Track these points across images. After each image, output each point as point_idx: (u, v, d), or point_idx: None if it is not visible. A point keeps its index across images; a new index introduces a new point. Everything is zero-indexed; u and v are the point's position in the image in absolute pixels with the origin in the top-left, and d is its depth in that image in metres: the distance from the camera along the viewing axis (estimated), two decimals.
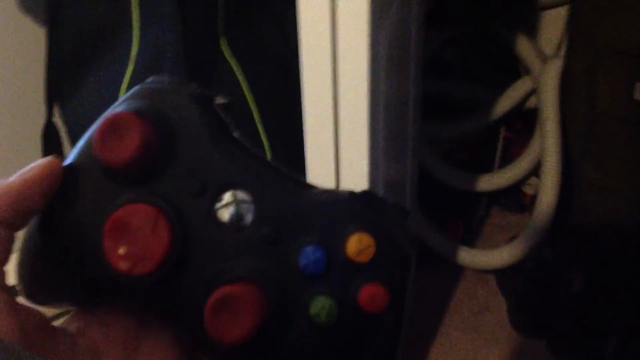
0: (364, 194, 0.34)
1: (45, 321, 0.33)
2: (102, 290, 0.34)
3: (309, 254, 0.32)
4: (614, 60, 1.53)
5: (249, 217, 0.33)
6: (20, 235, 0.35)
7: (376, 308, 0.32)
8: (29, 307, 0.32)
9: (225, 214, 0.33)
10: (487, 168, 2.02)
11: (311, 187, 0.34)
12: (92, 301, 0.37)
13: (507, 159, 2.01)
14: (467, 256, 1.87)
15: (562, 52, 1.87)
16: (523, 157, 1.91)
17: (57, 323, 0.33)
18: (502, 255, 1.83)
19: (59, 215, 0.34)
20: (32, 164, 0.34)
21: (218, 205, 0.33)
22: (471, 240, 2.03)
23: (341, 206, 0.33)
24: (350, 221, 0.33)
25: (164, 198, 0.33)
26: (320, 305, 0.32)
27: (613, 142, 1.58)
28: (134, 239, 0.31)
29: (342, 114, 0.92)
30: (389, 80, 1.10)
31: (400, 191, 1.44)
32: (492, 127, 2.00)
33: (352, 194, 0.34)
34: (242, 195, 0.33)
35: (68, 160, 0.35)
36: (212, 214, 0.33)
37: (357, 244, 0.32)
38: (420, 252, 1.83)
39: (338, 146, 0.98)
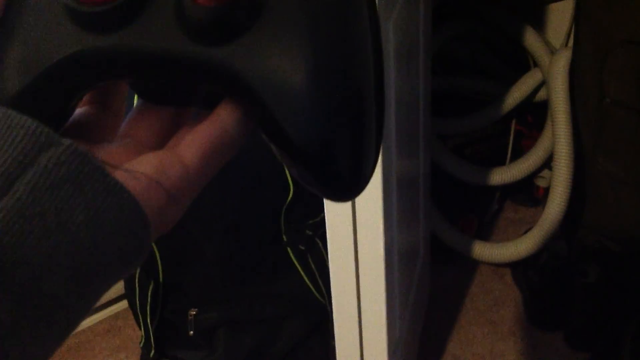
0: None
1: None
2: (72, 69, 0.33)
3: None
4: (623, 49, 1.53)
5: None
6: None
7: None
8: None
9: None
10: (499, 162, 2.03)
11: None
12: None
13: (519, 152, 2.01)
14: (482, 250, 1.87)
15: (570, 43, 1.87)
16: (535, 150, 1.91)
17: None
18: (516, 249, 1.83)
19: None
20: None
21: None
22: (485, 234, 2.03)
23: None
24: None
25: None
26: None
27: (624, 131, 1.58)
28: None
29: None
30: (399, 75, 1.10)
31: (414, 186, 1.45)
32: (502, 121, 2.01)
33: None
34: None
35: None
36: None
37: None
38: (435, 247, 1.84)
39: None
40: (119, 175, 0.30)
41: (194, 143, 0.34)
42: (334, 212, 1.06)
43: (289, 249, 1.42)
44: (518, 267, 1.87)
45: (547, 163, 1.94)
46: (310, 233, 1.43)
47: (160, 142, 0.36)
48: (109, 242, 0.28)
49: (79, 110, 0.37)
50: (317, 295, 1.47)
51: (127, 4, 0.32)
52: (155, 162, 0.32)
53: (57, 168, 0.27)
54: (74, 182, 0.27)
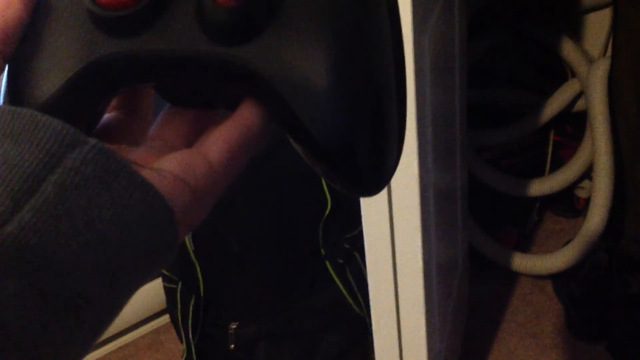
0: None
1: None
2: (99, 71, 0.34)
3: None
4: None
5: None
6: None
7: None
8: None
9: None
10: (538, 173, 2.01)
11: None
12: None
13: (558, 163, 2.00)
14: (522, 262, 1.86)
15: (608, 52, 1.86)
16: (574, 160, 1.90)
17: None
18: (557, 260, 1.81)
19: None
20: None
21: None
22: (525, 246, 2.02)
23: None
24: None
25: None
26: None
27: None
28: None
29: None
30: (435, 87, 1.11)
31: (451, 199, 1.45)
32: (541, 132, 1.99)
33: None
34: None
35: None
36: None
37: None
38: (474, 259, 1.83)
39: None
40: (145, 174, 0.31)
41: (218, 141, 0.34)
42: (372, 225, 1.06)
43: (327, 263, 1.43)
44: (559, 279, 1.85)
45: (587, 173, 1.92)
46: (348, 246, 1.43)
47: (188, 144, 0.36)
48: (137, 239, 0.28)
49: (106, 116, 0.37)
50: (355, 308, 1.47)
51: (148, 8, 0.33)
52: (181, 160, 0.33)
53: (84, 167, 0.27)
54: (101, 181, 0.27)
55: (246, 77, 0.33)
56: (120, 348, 1.85)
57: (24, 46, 0.34)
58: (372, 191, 0.37)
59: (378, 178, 0.36)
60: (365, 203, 1.05)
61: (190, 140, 0.36)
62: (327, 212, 1.38)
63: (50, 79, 0.34)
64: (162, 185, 0.30)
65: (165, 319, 1.86)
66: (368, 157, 0.35)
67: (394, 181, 1.01)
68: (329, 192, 1.37)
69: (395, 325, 1.16)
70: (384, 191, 1.02)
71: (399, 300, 1.13)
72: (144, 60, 0.34)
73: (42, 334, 0.25)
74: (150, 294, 1.80)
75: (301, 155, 0.36)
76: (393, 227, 1.06)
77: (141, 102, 0.39)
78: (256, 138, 0.35)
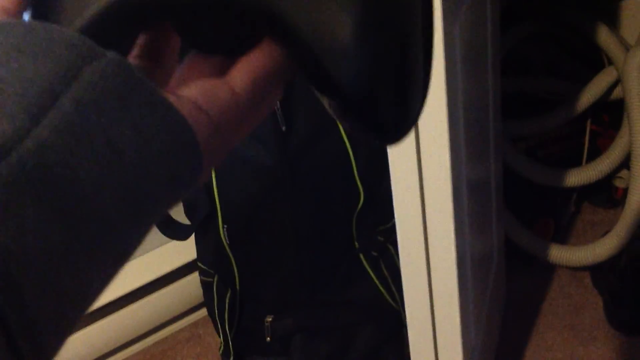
0: None
1: None
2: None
3: None
4: None
5: None
6: None
7: None
8: None
9: None
10: (575, 163, 1.98)
11: None
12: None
13: (595, 153, 1.97)
14: (560, 254, 1.84)
15: None
16: (612, 150, 1.87)
17: None
18: (595, 252, 1.79)
19: None
20: None
21: None
22: (563, 237, 2.00)
23: None
24: None
25: None
26: None
27: None
28: None
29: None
30: (467, 77, 1.10)
31: (485, 190, 1.43)
32: (577, 121, 1.97)
33: None
34: None
35: None
36: None
37: None
38: (511, 251, 1.81)
39: (419, 148, 0.98)
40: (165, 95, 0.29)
41: (243, 70, 0.33)
42: (405, 218, 1.06)
43: (361, 256, 1.43)
44: (597, 270, 1.83)
45: (626, 163, 1.89)
46: (382, 239, 1.43)
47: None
48: (158, 160, 0.27)
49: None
50: (390, 301, 1.47)
51: None
52: (203, 88, 0.31)
53: (102, 81, 0.25)
54: (120, 97, 0.26)
55: (270, 20, 0.33)
56: (159, 342, 1.87)
57: None
58: (396, 139, 0.36)
59: (402, 125, 0.36)
60: (398, 195, 1.04)
61: None
62: (360, 205, 1.38)
63: (74, 15, 0.33)
64: (181, 111, 0.29)
65: (204, 312, 1.88)
66: (393, 105, 0.34)
67: (426, 172, 1.01)
68: (362, 185, 1.37)
69: (429, 319, 1.16)
70: (416, 183, 1.02)
71: (433, 293, 1.13)
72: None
73: (64, 264, 0.24)
74: (188, 288, 1.82)
75: (323, 104, 0.36)
76: (425, 220, 1.05)
77: (167, 52, 0.38)
78: (280, 71, 0.34)
